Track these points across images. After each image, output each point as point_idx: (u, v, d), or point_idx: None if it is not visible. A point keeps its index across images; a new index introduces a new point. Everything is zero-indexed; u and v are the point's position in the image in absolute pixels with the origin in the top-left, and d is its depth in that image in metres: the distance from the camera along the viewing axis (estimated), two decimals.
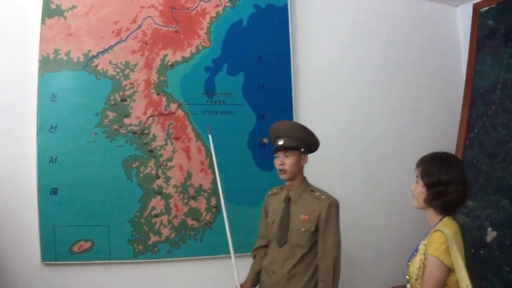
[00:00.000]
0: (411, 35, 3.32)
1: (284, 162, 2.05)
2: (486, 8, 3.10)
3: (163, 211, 2.56)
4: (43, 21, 2.43)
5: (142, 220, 2.52)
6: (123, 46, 2.54)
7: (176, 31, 2.64)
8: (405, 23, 3.30)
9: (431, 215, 1.66)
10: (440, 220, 1.63)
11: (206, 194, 2.64)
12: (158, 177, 2.56)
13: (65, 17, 2.46)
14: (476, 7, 3.17)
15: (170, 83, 2.61)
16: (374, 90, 3.16)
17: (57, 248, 2.38)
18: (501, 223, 2.62)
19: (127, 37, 2.55)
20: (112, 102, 2.51)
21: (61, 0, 2.46)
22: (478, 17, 3.14)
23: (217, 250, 2.55)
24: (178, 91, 2.62)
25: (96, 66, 2.50)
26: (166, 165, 2.58)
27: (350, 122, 3.07)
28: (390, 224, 3.10)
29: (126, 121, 2.53)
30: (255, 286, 2.19)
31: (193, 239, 2.60)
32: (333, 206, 2.02)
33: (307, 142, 2.09)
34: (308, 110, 2.93)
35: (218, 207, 2.63)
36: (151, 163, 2.55)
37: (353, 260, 3.00)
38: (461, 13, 3.47)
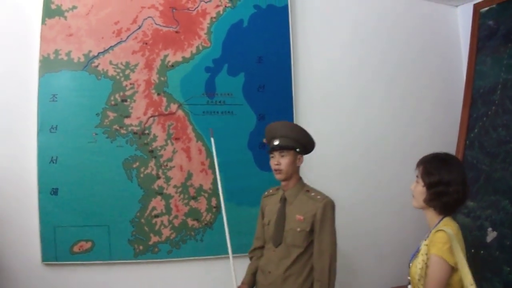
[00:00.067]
0: (412, 35, 3.32)
1: (279, 162, 2.06)
2: (486, 9, 3.11)
3: (164, 211, 2.56)
4: (43, 22, 2.43)
5: (142, 220, 2.52)
6: (124, 46, 2.54)
7: (176, 32, 2.64)
8: (405, 24, 3.30)
9: (431, 215, 1.66)
10: (441, 220, 1.63)
11: (206, 195, 2.64)
12: (158, 177, 2.56)
13: (65, 18, 2.46)
14: (476, 7, 3.17)
15: (171, 84, 2.61)
16: (374, 90, 3.16)
17: (58, 248, 2.38)
18: (501, 223, 2.63)
19: (127, 38, 2.55)
20: (113, 103, 2.51)
21: (61, 0, 2.46)
22: (478, 17, 3.14)
23: (218, 250, 2.55)
24: (179, 91, 2.62)
25: (97, 66, 2.50)
26: (167, 165, 2.58)
27: (350, 122, 3.07)
28: (390, 224, 3.11)
29: (127, 121, 2.53)
30: (252, 287, 2.19)
31: (193, 240, 2.61)
32: (329, 206, 2.02)
33: (302, 142, 2.10)
34: (308, 110, 2.93)
35: (218, 207, 2.63)
36: (152, 163, 2.55)
37: (353, 261, 3.00)
38: (461, 14, 3.47)
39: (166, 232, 2.56)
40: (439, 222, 1.62)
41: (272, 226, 2.10)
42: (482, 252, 2.65)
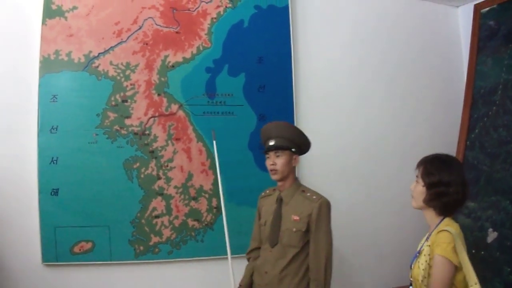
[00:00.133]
0: (412, 35, 3.32)
1: (275, 162, 2.07)
2: (487, 9, 3.11)
3: (164, 212, 2.56)
4: (44, 22, 2.42)
5: (143, 221, 2.52)
6: (124, 47, 2.54)
7: (177, 32, 2.64)
8: (405, 24, 3.30)
9: (431, 215, 1.66)
10: (441, 221, 1.63)
11: (207, 195, 2.64)
12: (159, 178, 2.56)
13: (66, 18, 2.46)
14: (477, 7, 3.17)
15: (171, 84, 2.61)
16: (374, 90, 3.16)
17: (58, 248, 2.38)
18: (502, 224, 2.63)
19: (128, 38, 2.55)
20: (113, 103, 2.51)
21: (62, 0, 2.46)
22: (479, 17, 3.14)
23: (218, 251, 2.54)
24: (179, 92, 2.62)
25: (97, 67, 2.49)
26: (167, 166, 2.58)
27: (350, 122, 3.07)
28: (390, 224, 3.11)
29: (127, 122, 2.53)
30: None
31: (194, 240, 2.61)
32: (324, 206, 2.03)
33: (297, 142, 2.11)
34: (309, 111, 2.93)
35: (219, 208, 2.62)
36: (152, 164, 2.55)
37: (353, 261, 3.00)
38: (462, 14, 3.47)
39: (166, 232, 2.56)
40: (439, 223, 1.62)
41: (269, 226, 2.11)
42: (482, 252, 2.65)
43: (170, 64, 2.61)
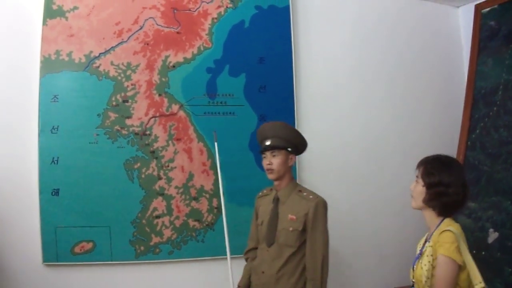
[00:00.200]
0: (413, 36, 3.31)
1: (271, 162, 2.08)
2: (488, 9, 3.10)
3: (165, 212, 2.56)
4: (44, 22, 2.43)
5: (143, 221, 2.52)
6: (125, 47, 2.54)
7: (177, 32, 2.64)
8: (406, 24, 3.30)
9: (430, 216, 1.66)
10: (442, 221, 1.63)
11: (207, 195, 2.64)
12: (159, 178, 2.56)
13: (66, 18, 2.46)
14: (478, 8, 3.17)
15: (172, 84, 2.61)
16: (375, 90, 3.16)
17: (59, 249, 2.38)
18: (503, 224, 2.62)
19: (128, 38, 2.55)
20: (114, 103, 2.51)
21: (62, 1, 2.46)
22: (480, 18, 3.14)
23: (219, 251, 2.54)
24: (180, 92, 2.62)
25: (98, 67, 2.49)
26: (168, 166, 2.58)
27: (351, 123, 3.07)
28: (391, 225, 3.10)
29: (128, 122, 2.53)
30: None
31: (194, 240, 2.60)
32: (320, 205, 2.04)
33: (294, 142, 2.12)
34: (309, 111, 2.93)
35: (219, 208, 2.62)
36: (153, 164, 2.55)
37: (354, 262, 3.00)
38: (462, 14, 3.47)
39: (167, 232, 2.56)
40: (440, 223, 1.62)
41: (265, 226, 2.12)
42: (483, 253, 2.64)
43: (171, 64, 2.61)
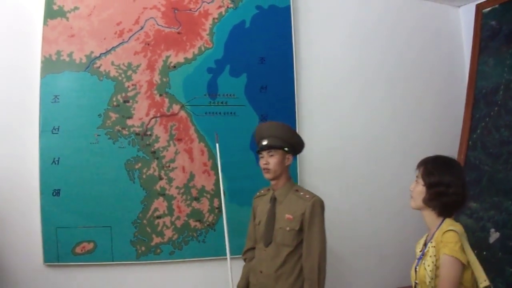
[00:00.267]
0: (413, 35, 3.31)
1: (268, 161, 2.09)
2: (488, 9, 3.10)
3: (166, 212, 2.56)
4: (45, 22, 2.43)
5: (144, 221, 2.51)
6: (126, 47, 2.54)
7: (178, 32, 2.64)
8: (407, 24, 3.30)
9: (430, 216, 1.66)
10: (442, 221, 1.63)
11: (208, 196, 2.64)
12: (160, 178, 2.56)
13: (67, 18, 2.46)
14: (478, 7, 3.17)
15: (173, 84, 2.61)
16: (376, 90, 3.15)
17: (60, 249, 2.38)
18: (504, 224, 2.62)
19: (129, 38, 2.55)
20: (115, 103, 2.51)
21: (63, 1, 2.46)
22: (480, 17, 3.14)
23: (220, 251, 2.53)
24: (181, 92, 2.62)
25: (99, 67, 2.49)
26: (169, 166, 2.58)
27: (352, 123, 3.07)
28: (391, 225, 3.10)
29: (129, 122, 2.53)
30: None
31: (195, 241, 2.60)
32: (317, 204, 2.04)
33: (290, 142, 2.12)
34: (310, 111, 2.93)
35: (220, 208, 2.62)
36: (154, 164, 2.55)
37: (354, 262, 3.00)
38: (463, 14, 3.46)
39: (168, 233, 2.56)
40: (441, 224, 1.63)
41: (263, 226, 2.13)
42: (484, 253, 2.64)
43: (172, 64, 2.61)
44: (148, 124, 2.56)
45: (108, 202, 2.46)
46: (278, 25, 2.82)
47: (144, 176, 2.53)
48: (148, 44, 2.58)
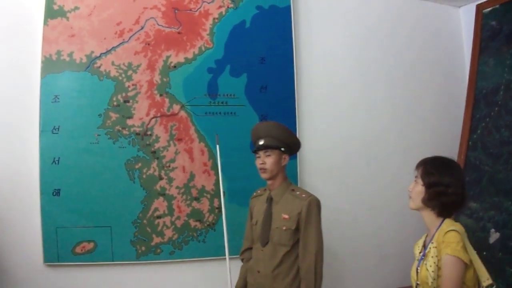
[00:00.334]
0: (414, 36, 3.31)
1: (264, 161, 2.10)
2: (489, 9, 3.10)
3: (166, 212, 2.56)
4: (45, 22, 2.43)
5: (145, 221, 2.51)
6: (126, 47, 2.54)
7: (179, 32, 2.64)
8: (407, 24, 3.30)
9: (429, 216, 1.66)
10: (442, 222, 1.63)
11: (209, 195, 2.64)
12: (161, 178, 2.56)
13: (67, 18, 2.46)
14: (479, 8, 3.16)
15: (173, 84, 2.60)
16: (376, 91, 3.15)
17: (60, 249, 2.38)
18: (504, 224, 2.62)
19: (129, 38, 2.55)
20: (115, 103, 2.51)
21: (63, 1, 2.46)
22: (481, 18, 3.14)
23: (220, 251, 2.52)
24: (181, 92, 2.62)
25: (99, 67, 2.49)
26: (169, 166, 2.58)
27: (352, 123, 3.06)
28: (392, 225, 3.10)
29: (129, 122, 2.53)
30: None
31: (196, 241, 2.60)
32: (313, 203, 2.04)
33: (287, 142, 2.13)
34: (311, 111, 2.92)
35: (220, 208, 2.62)
36: (154, 164, 2.55)
37: (355, 262, 3.00)
38: (464, 14, 3.46)
39: (168, 233, 2.55)
40: (441, 224, 1.62)
41: (259, 226, 2.13)
42: (485, 253, 2.64)
43: (172, 64, 2.61)
44: (148, 124, 2.56)
45: (108, 202, 2.46)
46: (278, 25, 2.82)
47: (144, 176, 2.53)
48: (149, 44, 2.58)
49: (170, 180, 2.57)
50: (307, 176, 2.87)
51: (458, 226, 1.59)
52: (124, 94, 2.52)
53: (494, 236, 2.66)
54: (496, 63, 2.96)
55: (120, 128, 2.51)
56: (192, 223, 2.60)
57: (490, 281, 1.57)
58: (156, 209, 2.54)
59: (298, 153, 2.78)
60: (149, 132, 2.55)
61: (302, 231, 2.02)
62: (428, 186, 1.63)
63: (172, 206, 2.57)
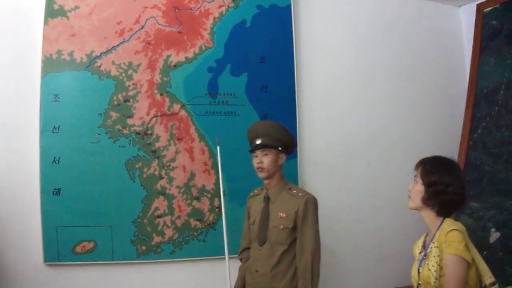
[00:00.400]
0: (414, 35, 3.31)
1: (262, 160, 2.11)
2: (489, 8, 3.09)
3: (166, 211, 2.56)
4: (46, 22, 2.43)
5: (145, 220, 2.51)
6: (126, 46, 2.54)
7: (179, 32, 2.64)
8: (408, 23, 3.29)
9: (429, 216, 1.66)
10: (443, 221, 1.63)
11: (209, 195, 2.64)
12: (161, 177, 2.56)
13: (68, 18, 2.46)
14: (479, 7, 3.16)
15: (173, 84, 2.60)
16: (377, 91, 3.15)
17: (60, 248, 2.38)
18: (505, 224, 2.62)
19: (130, 38, 2.55)
20: (115, 103, 2.51)
21: (64, 0, 2.46)
22: (481, 17, 3.13)
23: (220, 250, 2.52)
24: (181, 91, 2.62)
25: (99, 66, 2.49)
26: (169, 165, 2.58)
27: (353, 123, 3.06)
28: (392, 224, 3.10)
29: (129, 121, 2.53)
30: None
31: (196, 240, 2.60)
32: (310, 202, 2.05)
33: (284, 141, 2.14)
34: (311, 111, 2.93)
35: (221, 207, 2.62)
36: (154, 163, 2.55)
37: (355, 262, 2.99)
38: (464, 13, 3.46)
39: (168, 232, 2.55)
40: (441, 224, 1.62)
41: (257, 225, 2.14)
42: (485, 253, 2.64)
43: (173, 63, 2.61)
44: (148, 124, 2.56)
45: (108, 201, 2.46)
46: (278, 24, 2.82)
47: (144, 176, 2.53)
48: (149, 43, 2.58)
49: (171, 180, 2.57)
50: (307, 176, 2.87)
51: (459, 225, 1.59)
52: (124, 94, 2.52)
53: (494, 235, 2.65)
54: (496, 63, 2.96)
55: (120, 128, 2.51)
56: (193, 222, 2.60)
57: (492, 279, 1.57)
58: (156, 209, 2.54)
59: (298, 152, 2.79)
60: (149, 132, 2.55)
61: (299, 230, 2.03)
62: (428, 185, 1.63)
63: (172, 206, 2.57)
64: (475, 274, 1.56)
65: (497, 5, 3.03)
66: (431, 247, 1.60)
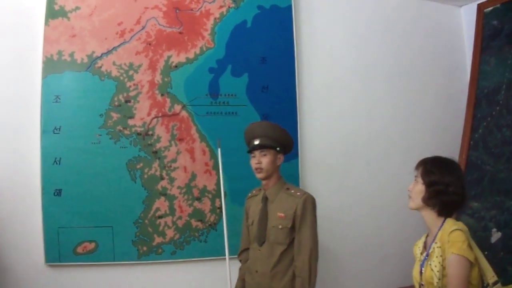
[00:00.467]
0: (415, 35, 3.31)
1: (260, 161, 2.11)
2: (490, 8, 3.10)
3: (167, 212, 2.56)
4: (46, 22, 2.42)
5: (146, 221, 2.51)
6: (127, 47, 2.54)
7: (180, 32, 2.64)
8: (409, 23, 3.29)
9: (430, 216, 1.66)
10: (444, 221, 1.63)
11: (210, 195, 2.64)
12: (162, 178, 2.56)
13: (68, 18, 2.46)
14: (480, 7, 3.16)
15: (174, 84, 2.60)
16: (378, 91, 3.15)
17: (61, 249, 2.38)
18: (506, 224, 2.62)
19: (131, 38, 2.55)
20: (116, 103, 2.51)
21: (64, 1, 2.46)
22: (482, 17, 3.13)
23: (222, 251, 2.49)
24: (182, 92, 2.62)
25: (100, 67, 2.49)
26: (170, 166, 2.58)
27: (354, 123, 3.06)
28: (393, 224, 3.09)
29: (130, 122, 2.53)
30: None
31: (197, 240, 2.60)
32: (308, 201, 2.06)
33: (282, 142, 2.14)
34: (312, 111, 2.92)
35: (222, 208, 2.62)
36: (155, 164, 2.55)
37: (354, 262, 2.99)
38: (465, 13, 3.46)
39: (170, 233, 2.55)
40: (443, 224, 1.62)
41: (256, 225, 2.14)
42: (486, 253, 2.60)
43: (173, 64, 2.61)
44: (149, 124, 2.56)
45: (109, 202, 2.46)
46: (279, 25, 2.82)
47: (145, 176, 2.53)
48: (150, 44, 2.58)
49: (172, 180, 2.57)
50: (308, 176, 2.87)
51: (461, 225, 1.59)
52: (125, 94, 2.52)
53: (495, 235, 2.66)
54: (497, 63, 2.96)
55: (121, 128, 2.51)
56: (194, 223, 2.60)
57: (495, 278, 1.57)
58: (157, 209, 2.54)
59: (299, 153, 2.80)
60: (150, 132, 2.55)
61: (297, 229, 2.03)
62: (428, 184, 1.63)
63: (173, 206, 2.57)
64: (478, 274, 1.57)
65: (498, 5, 3.04)
66: (434, 248, 1.60)
